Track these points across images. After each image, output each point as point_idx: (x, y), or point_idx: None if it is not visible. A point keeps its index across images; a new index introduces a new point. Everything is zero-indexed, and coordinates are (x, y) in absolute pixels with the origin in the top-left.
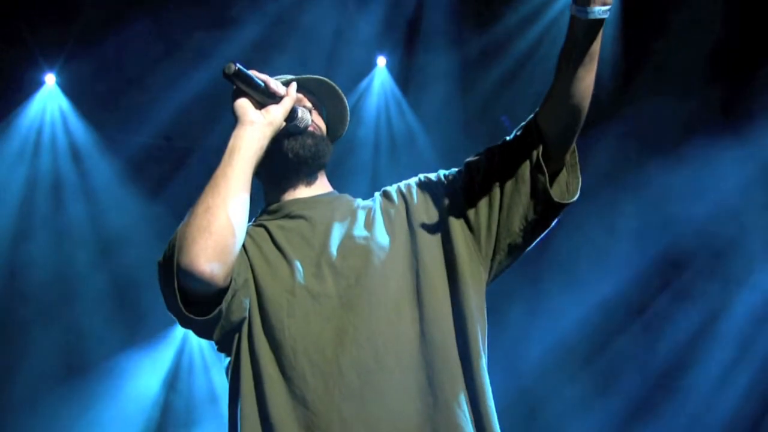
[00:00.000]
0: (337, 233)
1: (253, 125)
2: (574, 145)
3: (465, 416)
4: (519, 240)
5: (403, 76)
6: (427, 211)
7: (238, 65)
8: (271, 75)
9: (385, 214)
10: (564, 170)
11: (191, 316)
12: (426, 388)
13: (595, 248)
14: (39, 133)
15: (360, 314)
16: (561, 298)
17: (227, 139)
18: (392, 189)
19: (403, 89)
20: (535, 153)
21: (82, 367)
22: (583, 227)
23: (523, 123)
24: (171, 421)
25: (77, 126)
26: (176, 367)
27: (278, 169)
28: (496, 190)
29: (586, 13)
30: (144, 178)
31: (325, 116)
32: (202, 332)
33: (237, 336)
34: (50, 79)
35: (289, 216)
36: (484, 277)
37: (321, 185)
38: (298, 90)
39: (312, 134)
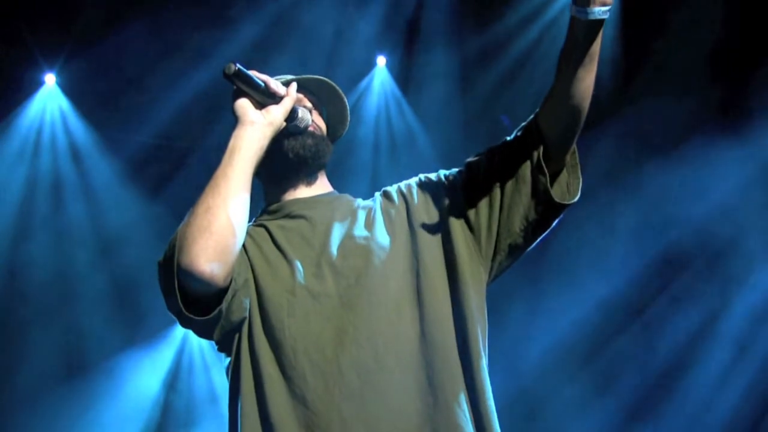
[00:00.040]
0: (337, 233)
1: (253, 125)
2: (574, 145)
3: (465, 416)
4: (520, 240)
5: (403, 75)
6: (427, 211)
7: (238, 65)
8: (271, 75)
9: (386, 214)
10: (564, 171)
11: (191, 316)
12: (426, 388)
13: (594, 248)
14: (39, 133)
15: (360, 314)
16: (561, 298)
17: (227, 139)
18: (392, 189)
19: (403, 89)
20: (535, 153)
21: (82, 367)
22: (583, 227)
23: (524, 123)
24: (171, 421)
25: (77, 126)
26: (176, 367)
27: (278, 169)
28: (497, 191)
29: (586, 13)
30: (144, 178)
31: (326, 116)
32: (203, 332)
33: (237, 336)
34: (50, 79)
35: (290, 216)
36: (485, 277)
37: (321, 185)
38: (299, 90)
39: (312, 134)
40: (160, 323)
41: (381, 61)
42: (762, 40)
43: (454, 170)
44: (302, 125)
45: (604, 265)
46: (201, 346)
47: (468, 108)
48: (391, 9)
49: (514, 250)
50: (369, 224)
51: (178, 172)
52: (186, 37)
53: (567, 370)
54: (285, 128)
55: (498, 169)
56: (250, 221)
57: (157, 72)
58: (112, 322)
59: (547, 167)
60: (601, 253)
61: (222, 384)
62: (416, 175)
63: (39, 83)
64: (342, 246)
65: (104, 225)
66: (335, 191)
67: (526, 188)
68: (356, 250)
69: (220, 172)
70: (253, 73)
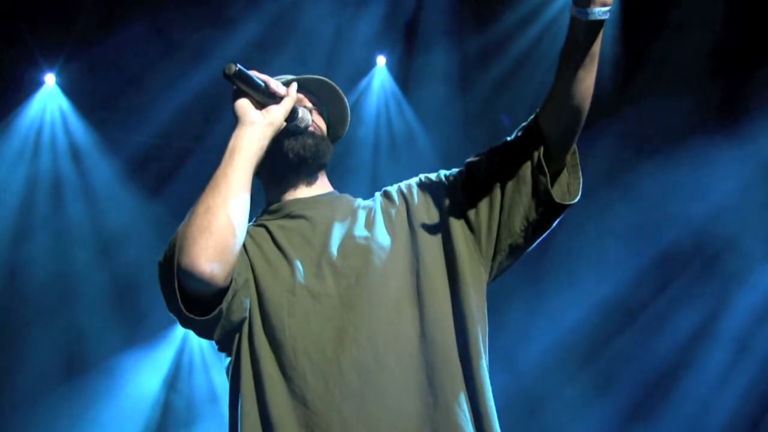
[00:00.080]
0: (337, 233)
1: (253, 125)
2: (574, 145)
3: (465, 416)
4: (520, 240)
5: (402, 75)
6: (427, 211)
7: (238, 66)
8: (272, 75)
9: (386, 214)
10: (565, 171)
11: (192, 316)
12: (426, 387)
13: (594, 248)
14: (39, 133)
15: (360, 314)
16: (561, 298)
17: (227, 139)
18: (393, 189)
19: (402, 88)
20: (536, 153)
21: (82, 367)
22: (582, 227)
23: (524, 124)
24: (171, 420)
25: (77, 126)
26: (176, 366)
27: (279, 169)
28: (497, 191)
29: (587, 14)
30: (144, 177)
31: (326, 116)
32: (203, 332)
33: (237, 336)
34: (50, 79)
35: (290, 216)
36: (485, 277)
37: (321, 185)
38: (299, 90)
39: (312, 134)
40: (160, 323)
41: (381, 60)
42: (761, 39)
43: (455, 170)
44: (302, 125)
45: (604, 265)
46: (201, 346)
47: (468, 108)
48: (390, 9)
49: (515, 250)
50: (369, 224)
51: (177, 171)
52: (186, 37)
53: (567, 370)
54: (285, 128)
55: (498, 169)
56: (250, 221)
57: (156, 72)
58: (112, 322)
59: (547, 167)
60: (601, 253)
61: (222, 384)
62: (416, 175)
63: (39, 83)
64: (342, 246)
65: (104, 225)
66: (335, 191)
67: (527, 188)
68: (356, 250)
69: (220, 172)
70: (254, 73)
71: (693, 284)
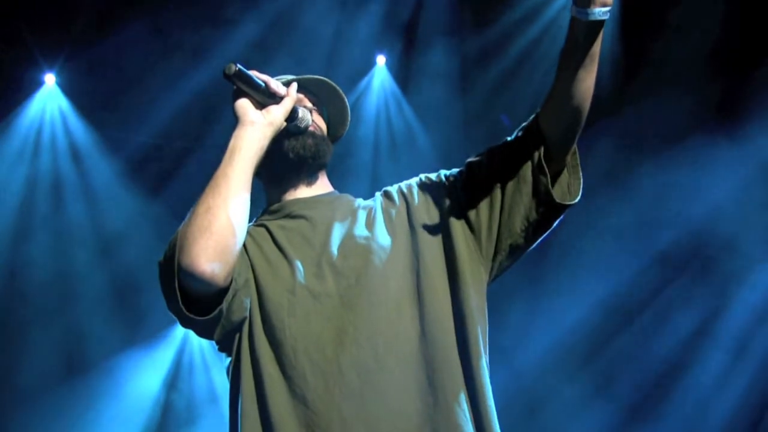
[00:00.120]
0: (337, 233)
1: (253, 125)
2: (575, 146)
3: (465, 416)
4: (520, 240)
5: (402, 75)
6: (428, 211)
7: (238, 66)
8: (272, 75)
9: (386, 214)
10: (565, 171)
11: (192, 316)
12: (426, 387)
13: (594, 248)
14: (39, 133)
15: (360, 314)
16: (561, 299)
17: (228, 139)
18: (393, 189)
19: (402, 88)
20: (536, 154)
21: (82, 367)
22: (583, 227)
23: (524, 124)
24: (171, 420)
25: (77, 126)
26: (177, 366)
27: (279, 169)
28: (497, 191)
29: (587, 14)
30: (144, 177)
31: (326, 116)
32: (203, 332)
33: (238, 336)
34: (50, 79)
35: (290, 216)
36: (485, 277)
37: (322, 185)
38: (299, 90)
39: (313, 134)
40: (160, 323)
41: (381, 60)
42: (761, 39)
43: (455, 170)
44: (302, 125)
45: (603, 265)
46: (201, 346)
47: (468, 107)
48: (390, 8)
49: (515, 250)
50: (369, 224)
51: (177, 171)
52: (186, 37)
53: (567, 370)
54: (285, 128)
55: (499, 170)
56: (250, 221)
57: (156, 72)
58: (112, 322)
59: (548, 167)
60: (601, 253)
61: (222, 383)
62: (416, 174)
63: (39, 83)
64: (342, 246)
65: (104, 225)
66: (336, 191)
67: (527, 188)
68: (357, 249)
69: (220, 172)
70: (254, 73)
71: (693, 284)
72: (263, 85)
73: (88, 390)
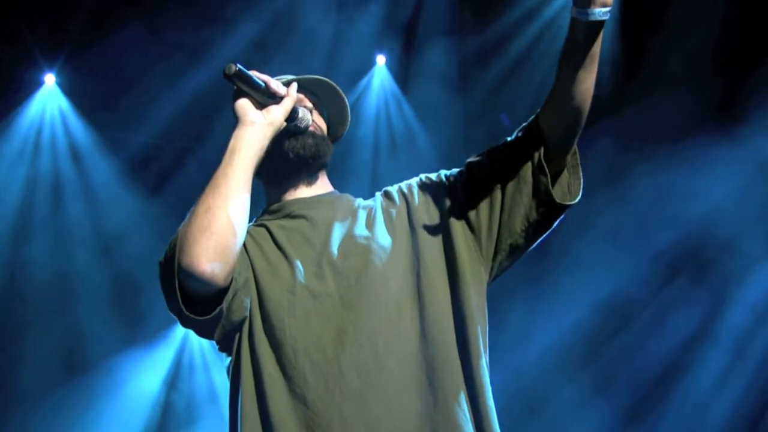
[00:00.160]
0: (337, 233)
1: (253, 125)
2: (575, 146)
3: (465, 416)
4: (520, 240)
5: (402, 74)
6: (428, 211)
7: (238, 66)
8: (272, 75)
9: (386, 214)
10: (565, 171)
11: (192, 315)
12: (426, 387)
13: (594, 248)
14: (39, 133)
15: (360, 314)
16: (561, 299)
17: (228, 139)
18: (393, 189)
19: (402, 88)
20: (536, 154)
21: (82, 367)
22: (582, 227)
23: (525, 124)
24: (172, 420)
25: (77, 126)
26: (177, 366)
27: (279, 169)
28: (498, 191)
29: (587, 14)
30: (144, 177)
31: (326, 116)
32: (203, 332)
33: (238, 335)
34: (50, 79)
35: (290, 216)
36: (485, 277)
37: (322, 185)
38: (299, 90)
39: (313, 134)
40: (160, 323)
41: (380, 60)
42: (761, 39)
43: (455, 170)
44: (303, 125)
45: (603, 265)
46: (201, 346)
47: (468, 107)
48: (390, 8)
49: (515, 251)
50: (370, 224)
51: (177, 171)
52: (186, 37)
53: (567, 370)
54: (285, 128)
55: (499, 170)
56: (250, 221)
57: (156, 72)
58: (112, 322)
59: (548, 168)
60: (601, 253)
61: (222, 383)
62: (416, 174)
63: (39, 83)
64: (342, 246)
65: (104, 225)
66: (336, 191)
67: (527, 188)
68: (357, 249)
69: (220, 172)
70: (254, 74)
71: (692, 284)
72: (263, 85)
73: (88, 390)
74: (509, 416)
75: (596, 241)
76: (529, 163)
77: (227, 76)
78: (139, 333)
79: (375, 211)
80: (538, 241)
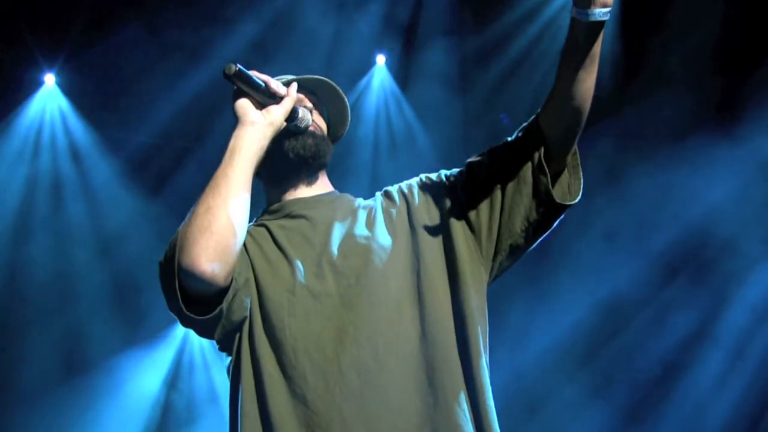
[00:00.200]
0: (338, 233)
1: (253, 125)
2: (575, 146)
3: (465, 415)
4: (521, 241)
5: (402, 74)
6: (428, 212)
7: (238, 66)
8: (272, 75)
9: (386, 213)
10: (565, 171)
11: (192, 315)
12: (426, 387)
13: (594, 248)
14: (39, 133)
15: (360, 314)
16: (561, 299)
17: (228, 139)
18: (393, 189)
19: (402, 88)
20: (536, 154)
21: (82, 367)
22: (582, 227)
23: (525, 124)
24: (172, 420)
25: (77, 126)
26: (177, 366)
27: (279, 169)
28: (498, 191)
29: (587, 15)
30: (143, 177)
31: (326, 116)
32: (204, 332)
33: (238, 335)
34: (50, 79)
35: (290, 215)
36: (485, 277)
37: (322, 185)
38: (299, 90)
39: (313, 134)
40: (161, 323)
41: (380, 59)
42: (761, 39)
43: (455, 170)
44: (303, 125)
45: (603, 265)
46: (201, 346)
47: (468, 107)
48: (390, 8)
49: (515, 251)
50: (370, 224)
51: (177, 171)
52: (186, 37)
53: (567, 371)
54: (285, 128)
55: (499, 170)
56: (251, 221)
57: (156, 72)
58: (112, 322)
59: (548, 168)
60: (601, 253)
61: (222, 383)
62: (416, 174)
63: (39, 83)
64: (343, 245)
65: (104, 225)
66: (336, 191)
67: (527, 189)
68: (357, 249)
69: (220, 172)
70: (254, 74)
71: (692, 284)
72: (263, 85)
73: (88, 390)
74: (509, 416)
75: (596, 241)
76: (529, 164)
77: (227, 76)
78: (139, 333)
79: (375, 210)
80: (539, 241)
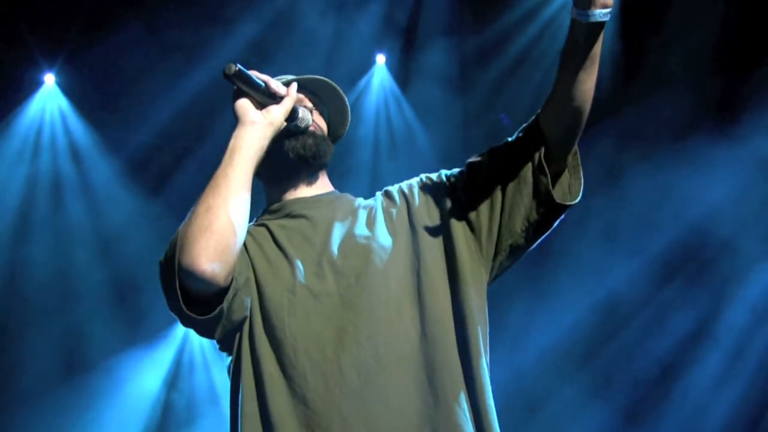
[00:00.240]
0: (338, 232)
1: (253, 125)
2: (576, 146)
3: (465, 415)
4: (521, 241)
5: (402, 74)
6: (428, 212)
7: (238, 66)
8: (271, 75)
9: (387, 213)
10: (566, 172)
11: (193, 315)
12: (426, 387)
13: (594, 248)
14: (39, 132)
15: (360, 313)
16: (561, 299)
17: (228, 139)
18: (394, 189)
19: (402, 87)
20: (537, 154)
21: (82, 367)
22: (582, 227)
23: (525, 124)
24: (172, 420)
25: (76, 126)
26: (177, 365)
27: (279, 168)
28: (498, 191)
29: (587, 16)
30: (143, 177)
31: (326, 116)
32: (204, 331)
33: (238, 335)
34: (49, 78)
35: (291, 215)
36: (485, 277)
37: (322, 185)
38: (299, 90)
39: (313, 134)
40: (161, 322)
41: (380, 59)
42: (761, 39)
43: (456, 170)
44: (303, 125)
45: (603, 265)
46: (202, 345)
47: (467, 107)
48: (390, 7)
49: (515, 251)
50: (370, 224)
51: (177, 171)
52: (185, 37)
53: (567, 370)
54: (285, 128)
55: (499, 170)
56: (251, 221)
57: (156, 72)
58: (112, 322)
59: (548, 168)
60: (601, 253)
61: (223, 383)
62: (416, 173)
63: (38, 83)
64: (343, 245)
65: (104, 224)
66: (336, 191)
67: (528, 189)
68: (357, 249)
69: (220, 172)
70: (254, 74)
71: (692, 284)
72: (263, 85)
73: (88, 390)
74: (509, 416)
75: (596, 241)
76: (530, 164)
77: (227, 76)
78: (139, 333)
79: (375, 210)
80: (539, 241)
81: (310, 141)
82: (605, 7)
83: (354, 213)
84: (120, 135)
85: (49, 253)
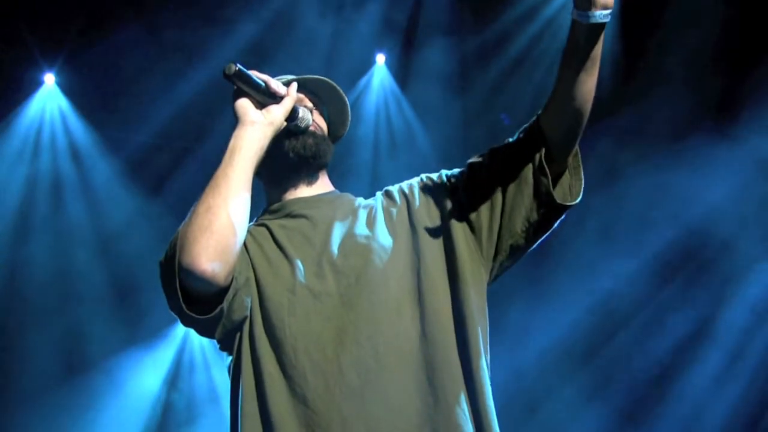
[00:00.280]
0: (338, 232)
1: (253, 125)
2: (576, 147)
3: (465, 415)
4: (521, 241)
5: (402, 73)
6: (428, 212)
7: (238, 65)
8: (271, 75)
9: (387, 213)
10: (567, 172)
11: (193, 315)
12: (426, 387)
13: (594, 248)
14: (38, 132)
15: (360, 313)
16: (560, 299)
17: (228, 139)
18: (394, 189)
19: (402, 87)
20: (537, 155)
21: (82, 367)
22: (582, 227)
23: (526, 125)
24: (172, 419)
25: (76, 126)
26: (177, 365)
27: (279, 168)
28: (498, 192)
29: (588, 17)
30: (143, 177)
31: (326, 116)
32: (204, 331)
33: (238, 335)
34: (49, 78)
35: (291, 215)
36: (485, 277)
37: (322, 184)
38: (299, 90)
39: (313, 134)
40: (161, 322)
41: (380, 59)
42: (761, 39)
43: (456, 170)
44: (303, 125)
45: (603, 265)
46: (202, 345)
47: (467, 107)
48: (390, 7)
49: (516, 251)
50: (370, 223)
51: (177, 171)
52: (185, 37)
53: (566, 370)
54: (286, 128)
55: (500, 170)
56: (251, 221)
57: (156, 72)
58: (112, 322)
59: (549, 169)
60: (600, 253)
61: (223, 382)
62: (416, 173)
63: (38, 83)
64: (343, 245)
65: (104, 224)
66: (336, 190)
67: (528, 189)
68: (357, 249)
69: (220, 171)
70: (254, 73)
71: (691, 284)
72: (263, 84)
73: (88, 390)
74: (509, 416)
75: (595, 241)
76: (530, 165)
77: (227, 76)
78: (139, 333)
79: (375, 210)
80: (539, 241)
81: (310, 141)
82: (606, 8)
83: (354, 213)
84: (120, 135)
85: (49, 253)
